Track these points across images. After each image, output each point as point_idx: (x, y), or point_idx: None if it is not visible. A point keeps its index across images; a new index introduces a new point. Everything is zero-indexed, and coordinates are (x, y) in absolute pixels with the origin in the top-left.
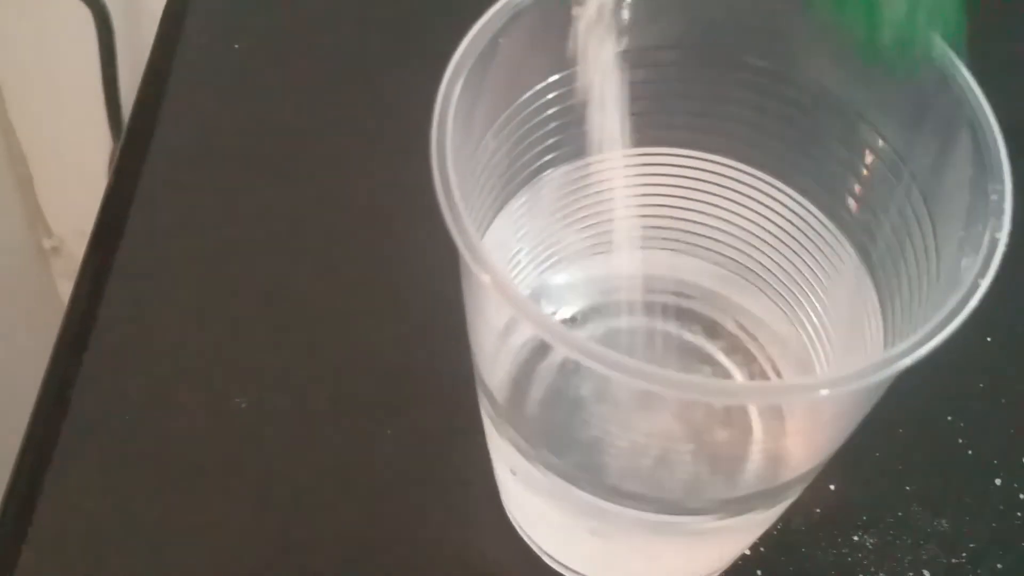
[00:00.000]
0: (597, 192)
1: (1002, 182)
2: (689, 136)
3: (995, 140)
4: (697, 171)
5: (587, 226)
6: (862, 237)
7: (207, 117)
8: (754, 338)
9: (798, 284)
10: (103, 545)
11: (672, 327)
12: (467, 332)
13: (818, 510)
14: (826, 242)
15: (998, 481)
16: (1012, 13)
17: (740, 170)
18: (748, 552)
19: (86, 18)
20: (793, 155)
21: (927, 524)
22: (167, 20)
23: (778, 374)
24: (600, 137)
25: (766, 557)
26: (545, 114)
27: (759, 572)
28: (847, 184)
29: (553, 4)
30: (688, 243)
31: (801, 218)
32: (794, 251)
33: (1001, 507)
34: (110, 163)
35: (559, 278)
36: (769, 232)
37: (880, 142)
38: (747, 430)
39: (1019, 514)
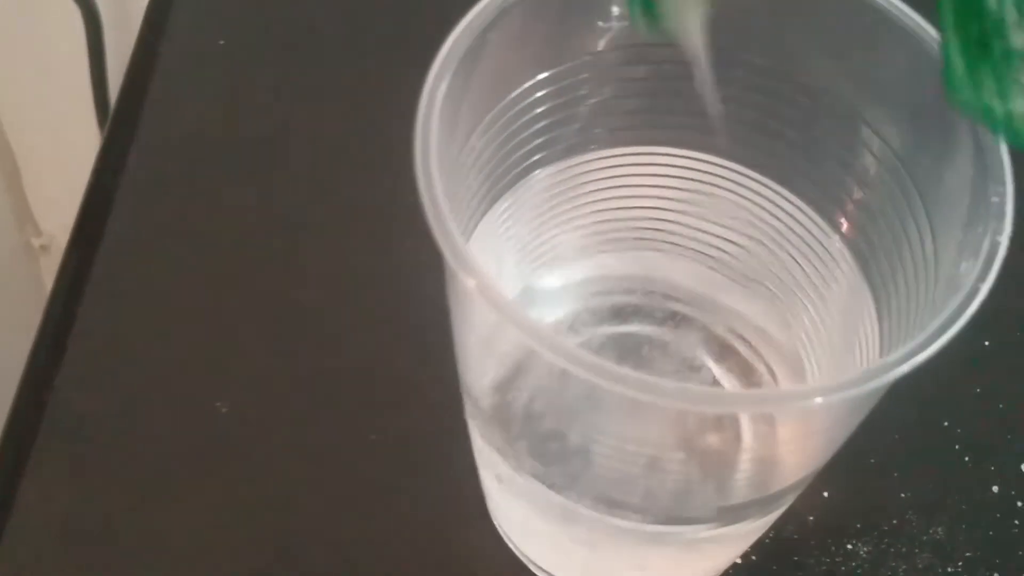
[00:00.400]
0: (587, 193)
1: (1003, 184)
2: (683, 135)
3: (996, 140)
4: (691, 171)
5: (577, 228)
6: (859, 239)
7: (191, 115)
8: (747, 343)
9: (793, 287)
10: (80, 550)
11: (663, 331)
12: (452, 336)
13: (811, 518)
14: (822, 244)
15: (995, 489)
16: None
17: (735, 171)
18: (739, 560)
19: (75, 16)
20: (789, 155)
21: (922, 532)
22: (151, 16)
23: (772, 379)
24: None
25: (758, 565)
26: (533, 113)
27: None
28: (844, 185)
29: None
30: (681, 245)
31: (796, 220)
32: (789, 254)
33: (998, 515)
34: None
35: (548, 281)
36: (764, 234)
37: (878, 143)
38: (739, 438)
39: (1016, 522)
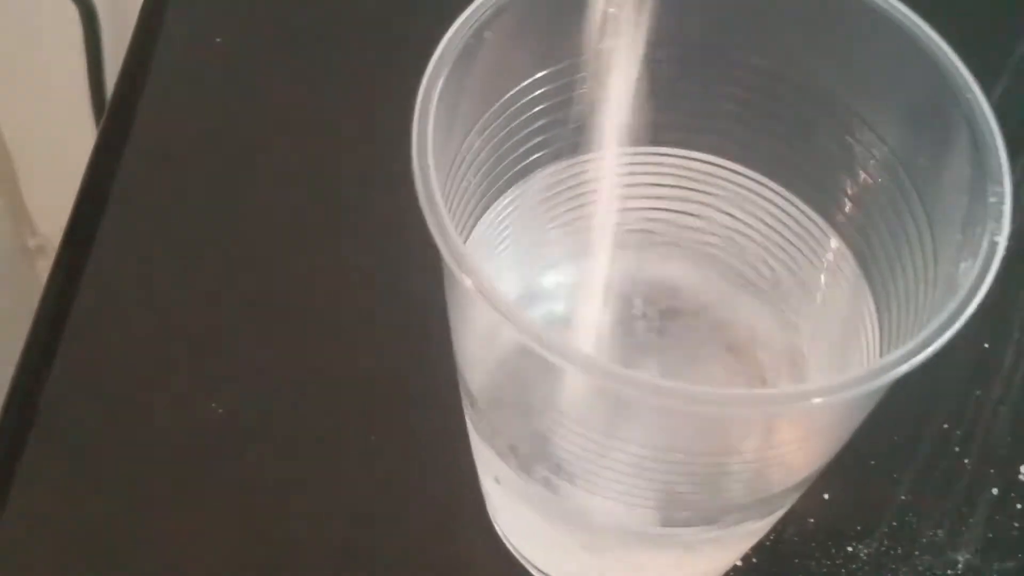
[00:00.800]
0: (587, 193)
1: (1002, 184)
2: (682, 136)
3: (994, 140)
4: (689, 171)
5: (576, 227)
6: (858, 239)
7: (187, 113)
8: (746, 342)
9: (792, 287)
10: (72, 555)
11: (662, 331)
12: (450, 336)
13: (811, 520)
14: (820, 244)
15: (995, 491)
16: (1012, 11)
17: (733, 170)
18: (740, 563)
19: (73, 16)
20: (788, 155)
21: (922, 534)
22: (146, 14)
23: (771, 379)
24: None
25: (758, 568)
26: (532, 111)
27: None
28: (843, 185)
29: None
30: (680, 245)
31: (795, 220)
32: (788, 253)
33: (998, 517)
34: None
35: (546, 281)
36: (762, 234)
37: (877, 142)
38: (739, 439)
39: (1016, 524)
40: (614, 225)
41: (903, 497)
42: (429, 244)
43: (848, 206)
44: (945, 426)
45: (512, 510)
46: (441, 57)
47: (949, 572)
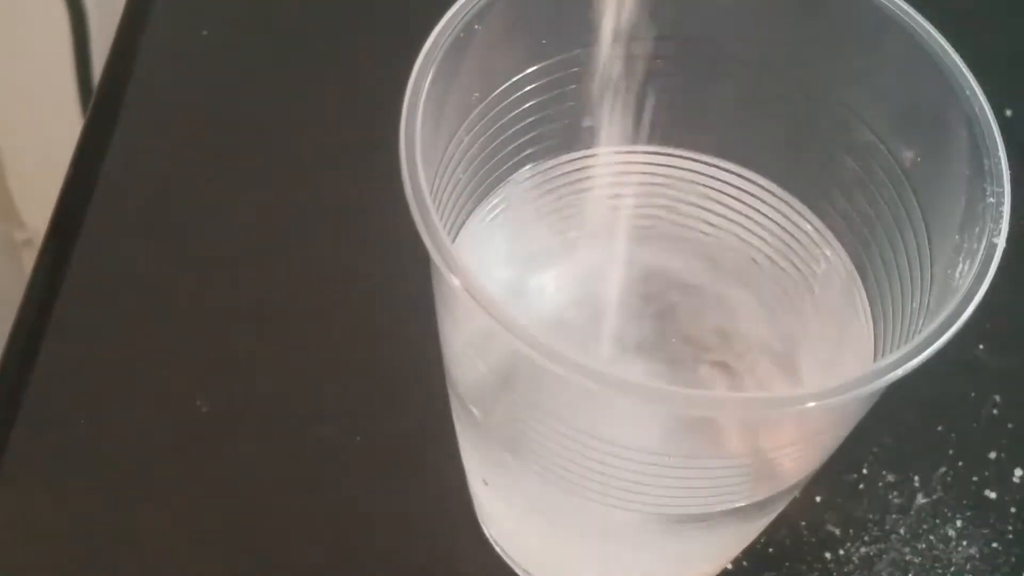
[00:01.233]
0: (578, 190)
1: (1001, 184)
2: (675, 133)
3: (994, 140)
4: (683, 169)
5: (567, 225)
6: (853, 239)
7: (172, 107)
8: (738, 344)
9: (786, 287)
10: (55, 552)
11: (653, 330)
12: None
13: (803, 523)
14: (815, 243)
15: (990, 494)
16: (1011, 9)
17: (727, 169)
18: (730, 566)
19: (60, 10)
20: (782, 152)
21: (916, 538)
22: (132, 6)
23: (764, 380)
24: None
25: (750, 571)
26: (523, 107)
27: None
28: (838, 184)
29: None
30: (671, 243)
31: (788, 218)
32: (781, 252)
33: (992, 520)
34: None
35: (536, 278)
36: (756, 233)
37: (874, 141)
38: (731, 442)
39: (1010, 527)
40: (605, 223)
41: (896, 500)
42: (418, 241)
43: (844, 205)
44: (939, 429)
45: (501, 511)
46: (429, 52)
47: (942, 573)
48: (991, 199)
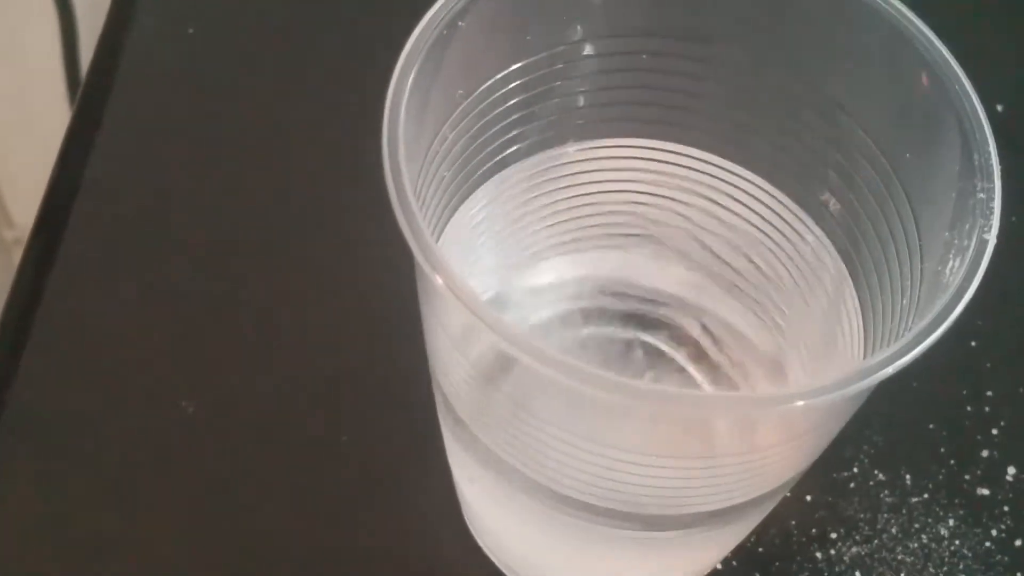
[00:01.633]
0: (564, 188)
1: (991, 180)
2: (662, 128)
3: (983, 135)
4: (670, 164)
5: (553, 223)
6: (842, 235)
7: (158, 105)
8: (725, 342)
9: (774, 283)
10: (38, 556)
11: (641, 328)
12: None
13: (793, 522)
14: (804, 240)
15: (982, 492)
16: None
17: (714, 164)
18: (719, 566)
19: (49, 10)
20: (770, 148)
21: (907, 537)
22: (117, 4)
23: (752, 379)
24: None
25: (738, 571)
26: (508, 104)
27: None
28: (826, 180)
29: None
30: (660, 240)
31: (777, 214)
32: (769, 250)
33: (985, 519)
34: None
35: (523, 278)
36: (742, 230)
37: (862, 136)
38: (718, 442)
39: (1003, 526)
40: (592, 220)
41: (887, 499)
42: (402, 241)
43: (832, 201)
44: (931, 426)
45: (487, 510)
46: (413, 48)
47: (934, 573)
48: (981, 195)
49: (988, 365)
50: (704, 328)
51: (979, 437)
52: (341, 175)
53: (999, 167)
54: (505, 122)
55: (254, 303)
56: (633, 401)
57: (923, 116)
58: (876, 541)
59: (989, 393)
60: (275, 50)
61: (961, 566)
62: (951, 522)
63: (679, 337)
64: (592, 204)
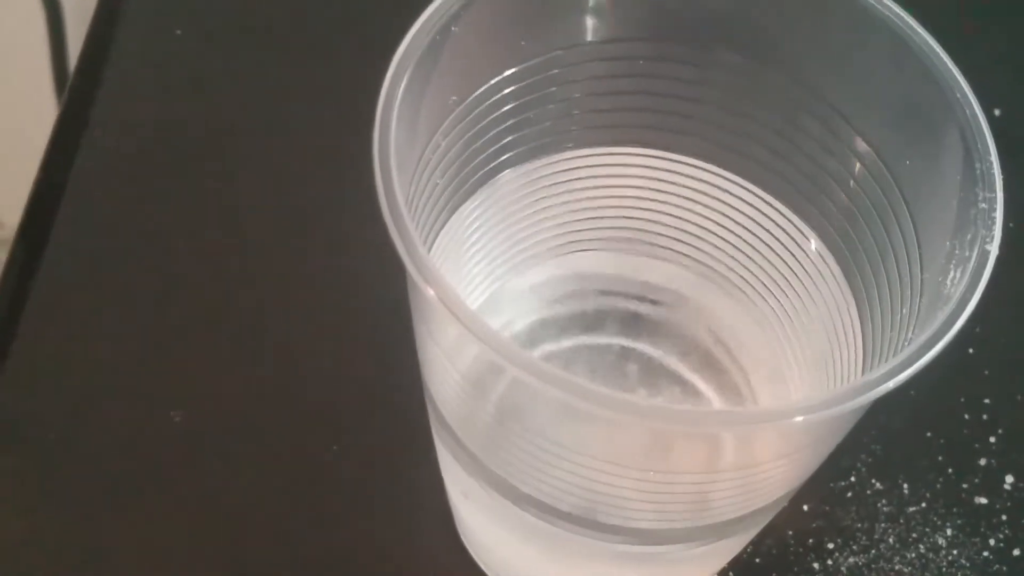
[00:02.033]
0: (558, 194)
1: (993, 189)
2: (659, 136)
3: (985, 143)
4: (665, 172)
5: (547, 230)
6: (841, 244)
7: (145, 107)
8: (724, 349)
9: (772, 293)
10: (24, 565)
11: (637, 338)
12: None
13: (790, 531)
14: (802, 249)
15: (980, 501)
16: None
17: (712, 172)
18: None
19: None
20: (768, 156)
21: (905, 546)
22: (105, 3)
23: (750, 388)
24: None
25: None
26: (502, 110)
27: None
28: (825, 188)
29: None
30: (655, 249)
31: (776, 223)
32: (768, 259)
33: (983, 528)
34: None
35: (517, 285)
36: (741, 238)
37: (862, 144)
38: (715, 456)
39: (1001, 536)
40: (587, 228)
41: (885, 508)
42: (394, 249)
43: (832, 210)
44: (928, 435)
45: (480, 525)
46: (405, 53)
47: None
48: (983, 205)
49: (986, 372)
50: (704, 335)
51: (977, 445)
52: (332, 177)
53: (1001, 176)
54: (499, 128)
55: (244, 309)
56: (631, 417)
57: (924, 124)
58: (874, 551)
59: (987, 401)
60: (264, 53)
61: (960, 574)
62: (949, 531)
63: (680, 342)
64: (587, 210)
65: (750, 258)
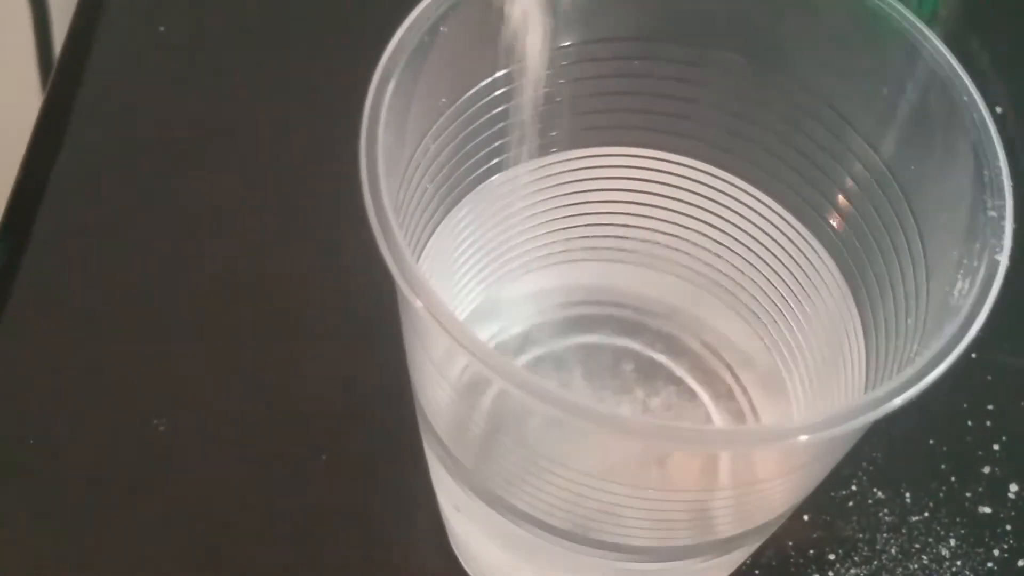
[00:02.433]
0: (551, 198)
1: (1002, 197)
2: (655, 137)
3: (994, 149)
4: (664, 174)
5: (539, 235)
6: (845, 253)
7: (127, 105)
8: (723, 360)
9: (773, 302)
10: None
11: (633, 346)
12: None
13: (790, 543)
14: (805, 257)
15: (984, 510)
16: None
17: (712, 175)
18: None
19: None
20: (771, 161)
21: (908, 557)
22: (87, 2)
23: (749, 400)
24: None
25: None
26: (492, 113)
27: None
28: (830, 195)
29: None
30: (652, 254)
31: (779, 229)
32: (769, 266)
33: (987, 538)
34: None
35: (508, 292)
36: (742, 243)
37: (868, 150)
38: (714, 472)
39: (1006, 546)
40: (582, 231)
41: (887, 518)
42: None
43: (835, 217)
44: (931, 443)
45: (472, 538)
46: (393, 54)
47: None
48: (992, 213)
49: (989, 378)
50: (702, 344)
51: (980, 453)
52: (320, 176)
53: (1011, 185)
54: (491, 131)
55: (230, 317)
56: (626, 434)
57: (931, 129)
58: (876, 562)
59: (991, 407)
60: (248, 51)
61: None
62: (952, 542)
63: (675, 352)
64: (581, 215)
65: (751, 264)
